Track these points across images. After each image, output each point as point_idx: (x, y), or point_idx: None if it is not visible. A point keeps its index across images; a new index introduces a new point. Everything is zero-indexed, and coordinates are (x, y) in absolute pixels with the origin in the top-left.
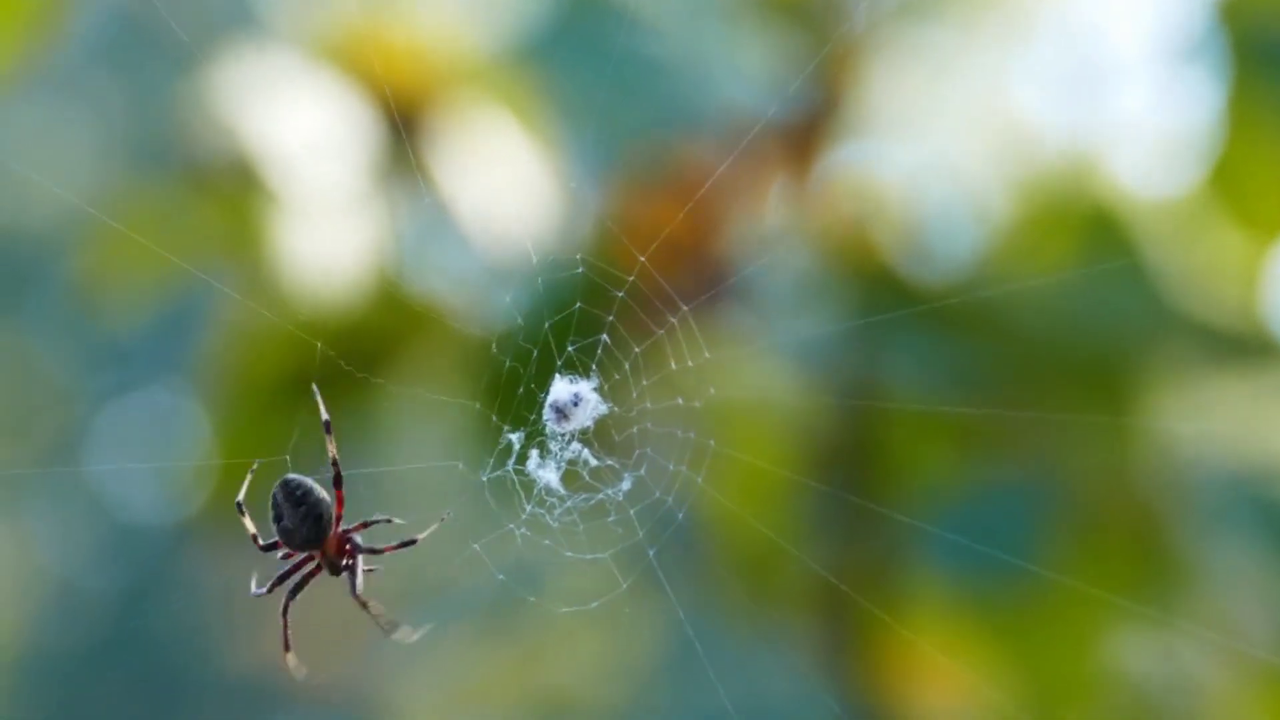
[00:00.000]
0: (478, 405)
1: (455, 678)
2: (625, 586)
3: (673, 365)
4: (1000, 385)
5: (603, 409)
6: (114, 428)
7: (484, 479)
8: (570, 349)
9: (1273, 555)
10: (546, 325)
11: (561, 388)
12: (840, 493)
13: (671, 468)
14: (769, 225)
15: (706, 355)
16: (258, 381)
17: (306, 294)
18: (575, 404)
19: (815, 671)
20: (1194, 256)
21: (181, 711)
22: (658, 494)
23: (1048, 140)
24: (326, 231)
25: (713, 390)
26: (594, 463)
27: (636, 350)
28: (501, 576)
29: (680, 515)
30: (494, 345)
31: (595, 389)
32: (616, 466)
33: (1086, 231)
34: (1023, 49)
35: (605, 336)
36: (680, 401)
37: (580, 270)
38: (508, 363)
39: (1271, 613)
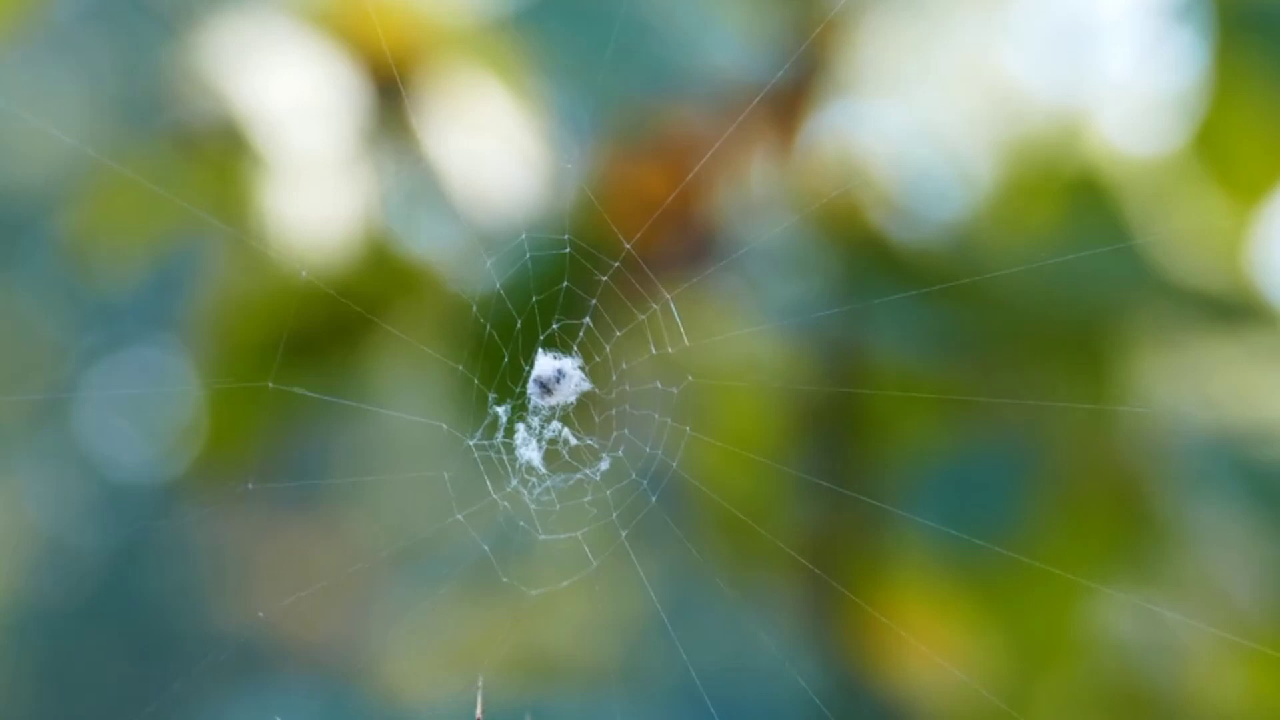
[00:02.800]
0: (460, 367)
1: (444, 638)
2: (595, 565)
3: (653, 344)
4: (984, 349)
5: (586, 385)
6: (104, 385)
7: (470, 444)
8: (555, 326)
9: (1256, 519)
10: (533, 300)
11: (545, 363)
12: (821, 457)
13: (658, 417)
14: (754, 189)
15: (683, 341)
16: (247, 340)
17: (293, 255)
18: (558, 379)
19: (796, 638)
20: (1180, 219)
21: (171, 669)
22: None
23: (1034, 103)
24: (313, 194)
25: (686, 342)
26: (574, 441)
27: (618, 334)
28: (486, 547)
29: (655, 482)
30: (474, 306)
31: (579, 366)
32: (595, 445)
33: (1072, 194)
34: (1009, 10)
35: (595, 301)
36: (657, 350)
37: (566, 238)
38: (488, 328)
39: (1255, 576)
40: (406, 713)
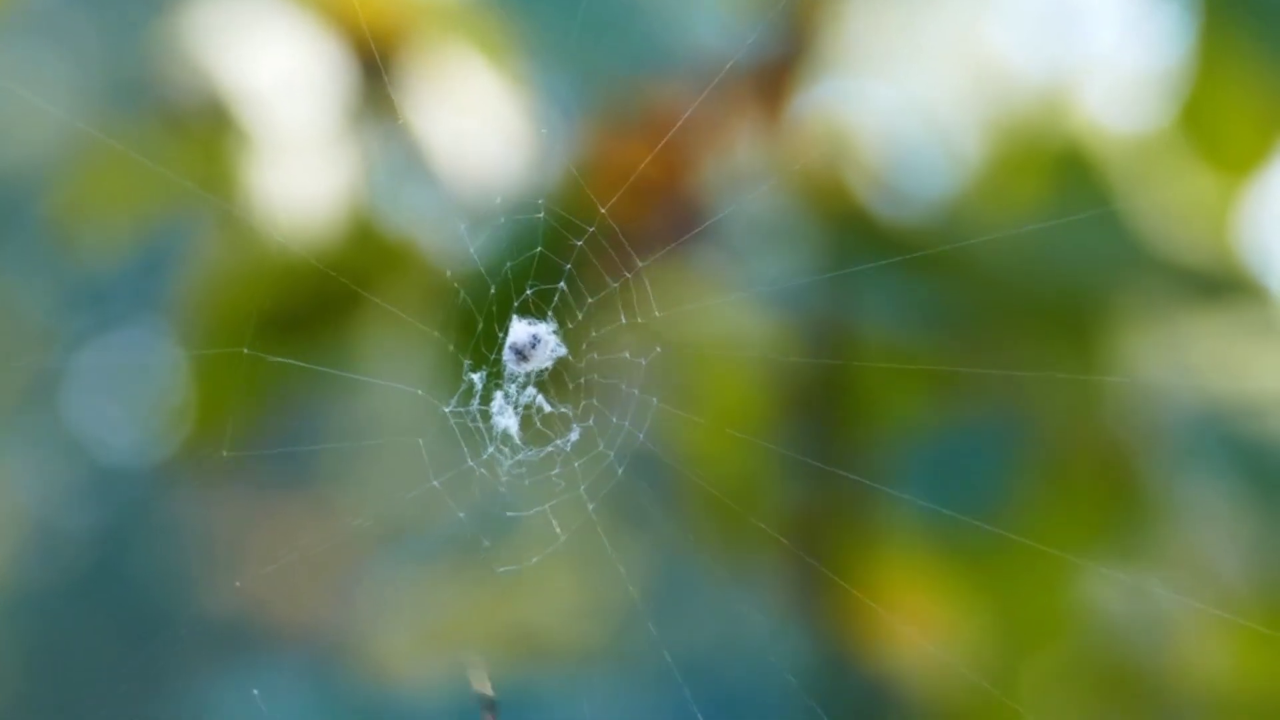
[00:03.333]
0: (436, 334)
1: (427, 615)
2: (562, 540)
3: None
4: (971, 324)
5: (561, 351)
6: (92, 367)
7: (446, 411)
8: (529, 292)
9: (1243, 493)
10: (507, 265)
11: (520, 329)
12: (805, 432)
13: (636, 393)
14: (740, 165)
15: (657, 312)
16: (233, 317)
17: (279, 232)
18: (534, 345)
19: (780, 617)
20: (1166, 194)
21: (160, 652)
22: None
23: (1020, 78)
24: (298, 171)
25: (656, 313)
26: (547, 409)
27: (590, 300)
28: (462, 515)
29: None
30: (450, 273)
31: (554, 331)
32: (569, 414)
33: (1059, 170)
34: None
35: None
36: (627, 319)
37: (540, 214)
38: (462, 295)
39: (1242, 551)
40: (383, 688)
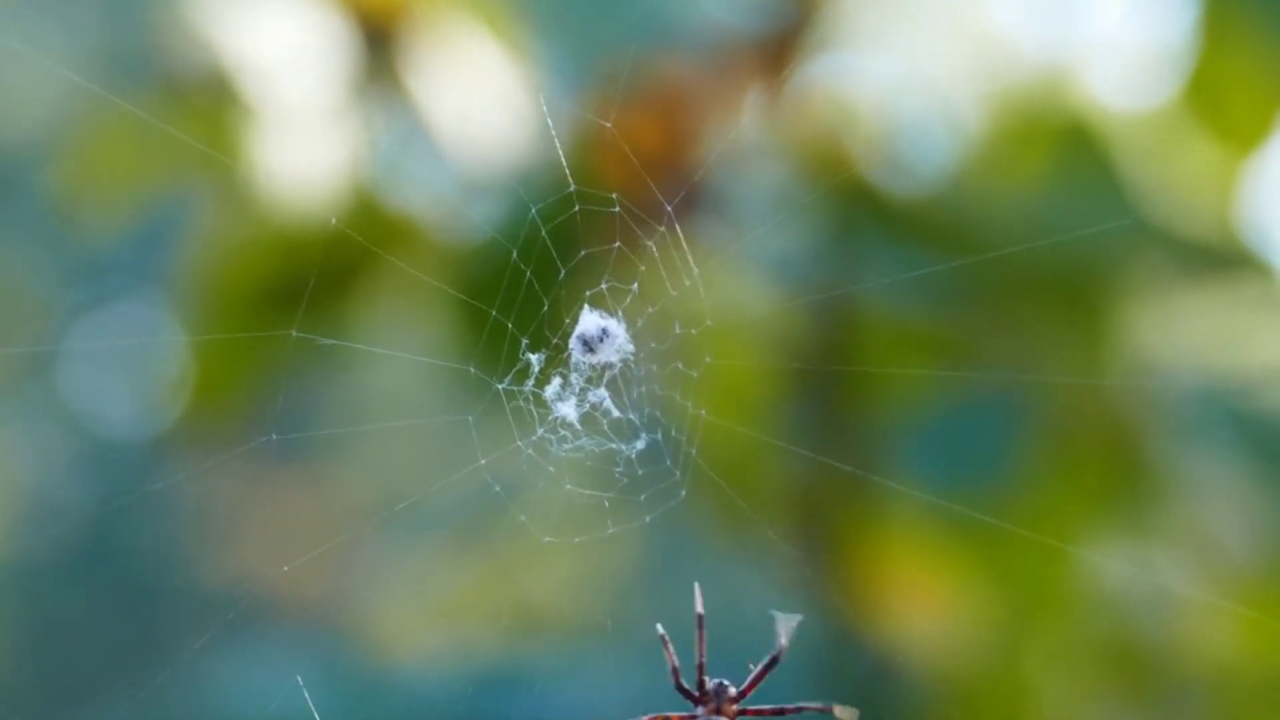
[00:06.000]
0: (494, 313)
1: (434, 585)
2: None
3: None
4: (975, 298)
5: (629, 348)
6: (90, 341)
7: (500, 388)
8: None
9: (1248, 467)
10: (513, 246)
11: (590, 320)
12: (812, 411)
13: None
14: (744, 138)
15: (694, 269)
16: (235, 294)
17: (283, 205)
18: (602, 339)
19: (791, 586)
20: (1169, 169)
21: (157, 625)
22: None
23: (1023, 52)
24: (302, 144)
25: (708, 322)
26: (615, 414)
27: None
28: (499, 488)
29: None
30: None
31: (624, 328)
32: (635, 420)
33: (1062, 144)
34: None
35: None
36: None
37: (572, 190)
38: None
39: (1248, 525)
40: (418, 670)
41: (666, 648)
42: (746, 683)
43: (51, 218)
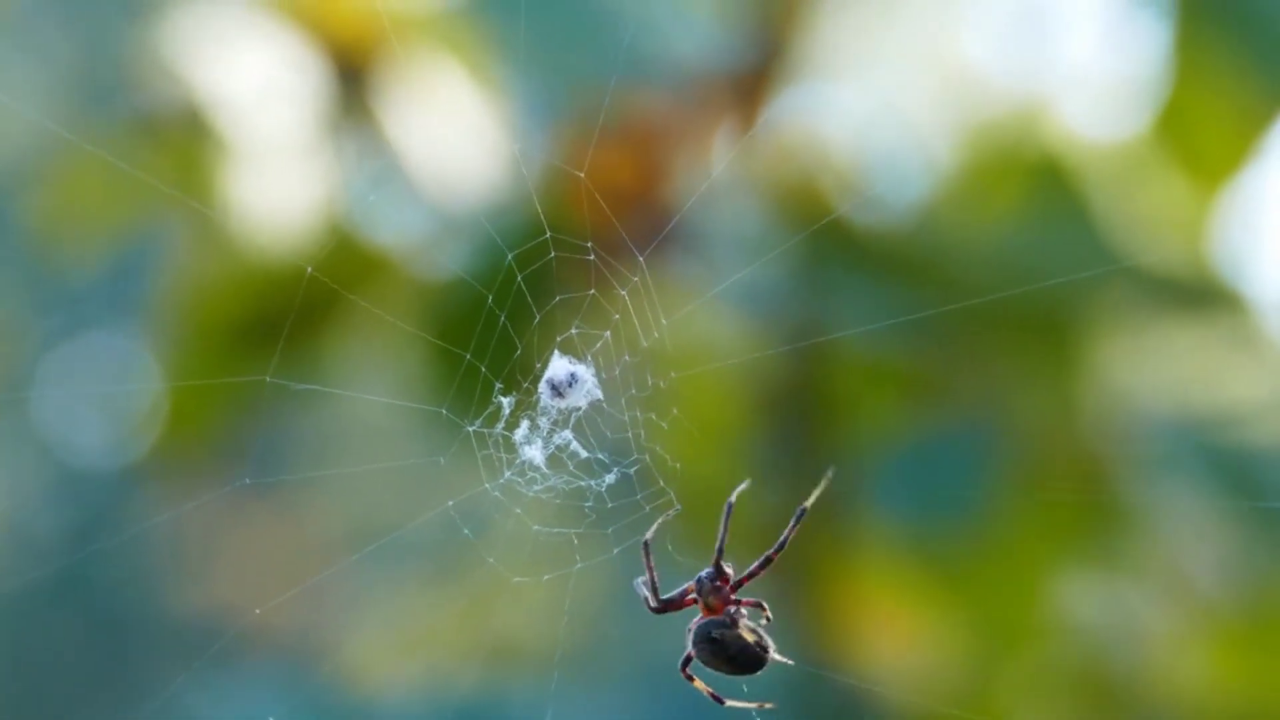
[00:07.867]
0: (467, 356)
1: (405, 622)
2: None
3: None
4: (947, 332)
5: (597, 394)
6: (63, 370)
7: (469, 430)
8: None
9: (1218, 502)
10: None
11: (560, 366)
12: (787, 438)
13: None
14: (716, 173)
15: (663, 321)
16: (209, 328)
17: (256, 241)
18: (571, 384)
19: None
20: (1142, 202)
21: (130, 654)
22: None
23: (995, 86)
24: (276, 179)
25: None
26: (583, 454)
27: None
28: (467, 531)
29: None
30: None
31: (593, 374)
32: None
33: (1034, 178)
34: None
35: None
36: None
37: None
38: (502, 317)
39: (1218, 559)
40: (393, 705)
41: (647, 559)
42: (745, 573)
43: (26, 248)
